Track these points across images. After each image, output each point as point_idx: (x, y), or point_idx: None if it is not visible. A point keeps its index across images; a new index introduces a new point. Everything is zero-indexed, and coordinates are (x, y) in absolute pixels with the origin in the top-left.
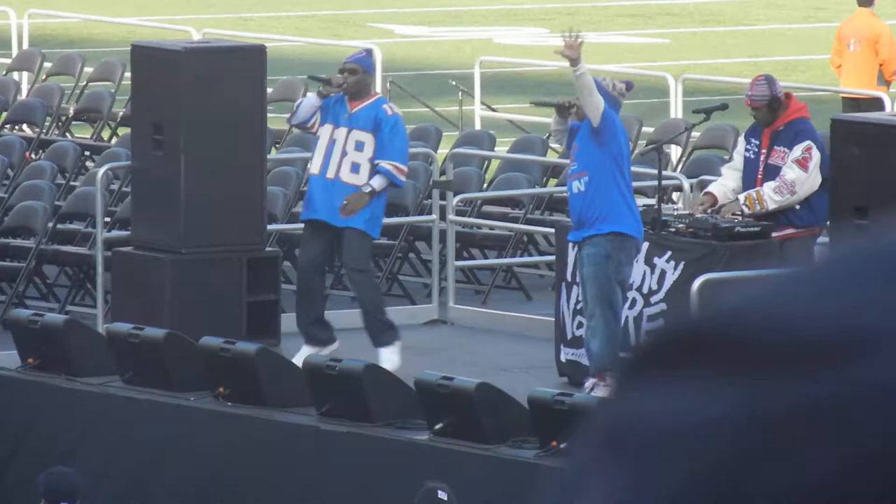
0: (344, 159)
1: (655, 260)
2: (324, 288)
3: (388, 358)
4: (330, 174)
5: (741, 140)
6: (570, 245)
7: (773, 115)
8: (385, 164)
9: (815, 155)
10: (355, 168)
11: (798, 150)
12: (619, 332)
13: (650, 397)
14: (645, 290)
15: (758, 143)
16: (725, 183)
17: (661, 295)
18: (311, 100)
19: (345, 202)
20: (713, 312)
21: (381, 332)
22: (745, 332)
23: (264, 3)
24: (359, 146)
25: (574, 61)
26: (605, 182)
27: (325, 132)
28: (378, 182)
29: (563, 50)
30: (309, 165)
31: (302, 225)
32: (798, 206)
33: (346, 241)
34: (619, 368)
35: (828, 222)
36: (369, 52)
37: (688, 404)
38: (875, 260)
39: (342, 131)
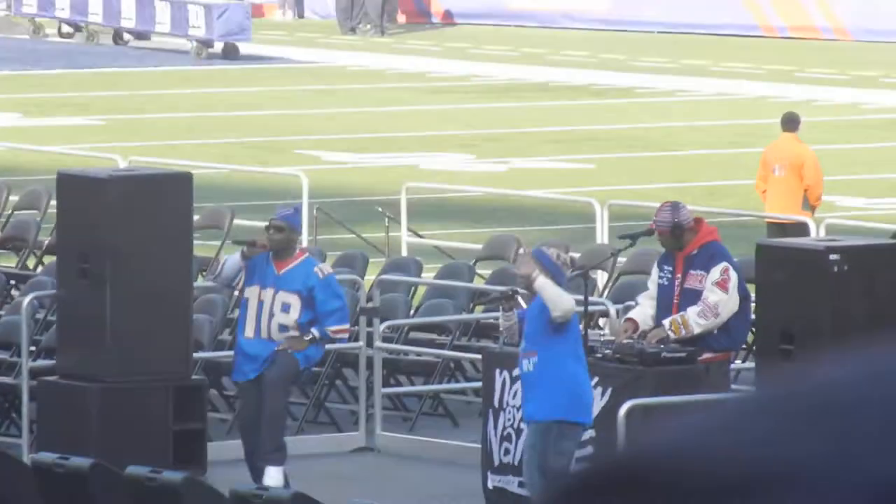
0: (272, 321)
1: None
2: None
3: (275, 476)
4: (263, 335)
5: (654, 268)
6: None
7: (678, 242)
8: (329, 332)
9: (733, 276)
10: (282, 329)
11: (716, 273)
12: None
13: None
14: None
15: (671, 269)
16: (644, 311)
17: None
18: (235, 260)
19: (284, 343)
20: (633, 454)
21: (275, 450)
22: (663, 476)
23: (190, 131)
24: (284, 308)
25: (528, 279)
26: (556, 363)
27: (252, 294)
28: (318, 335)
29: (518, 272)
30: (239, 328)
31: (229, 353)
32: (716, 330)
33: (275, 357)
34: None
35: (743, 345)
36: (297, 209)
37: None
38: (790, 401)
39: (269, 292)
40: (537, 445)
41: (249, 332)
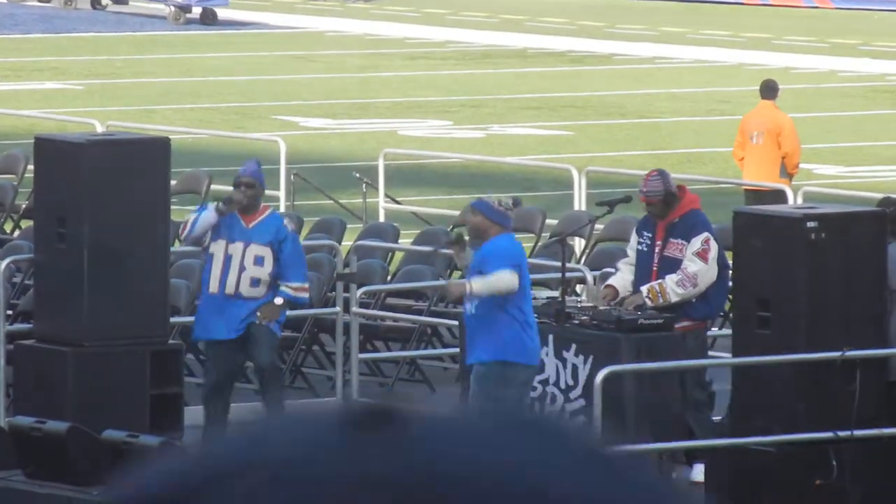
0: (243, 274)
1: (564, 354)
2: (228, 404)
3: None
4: (229, 290)
5: (633, 234)
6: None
7: (668, 209)
8: (288, 290)
9: (714, 246)
10: (255, 283)
11: (697, 243)
12: None
13: None
14: (562, 385)
15: (651, 235)
16: (624, 276)
17: (579, 391)
18: (208, 217)
19: (259, 314)
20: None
21: None
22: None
23: (168, 96)
24: (258, 260)
25: (462, 297)
26: (498, 306)
27: (218, 248)
28: (280, 300)
29: (449, 295)
30: (203, 285)
31: None
32: (694, 299)
33: (256, 339)
34: None
35: (721, 313)
36: (258, 162)
37: None
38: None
39: (238, 246)
40: (478, 393)
41: (214, 286)
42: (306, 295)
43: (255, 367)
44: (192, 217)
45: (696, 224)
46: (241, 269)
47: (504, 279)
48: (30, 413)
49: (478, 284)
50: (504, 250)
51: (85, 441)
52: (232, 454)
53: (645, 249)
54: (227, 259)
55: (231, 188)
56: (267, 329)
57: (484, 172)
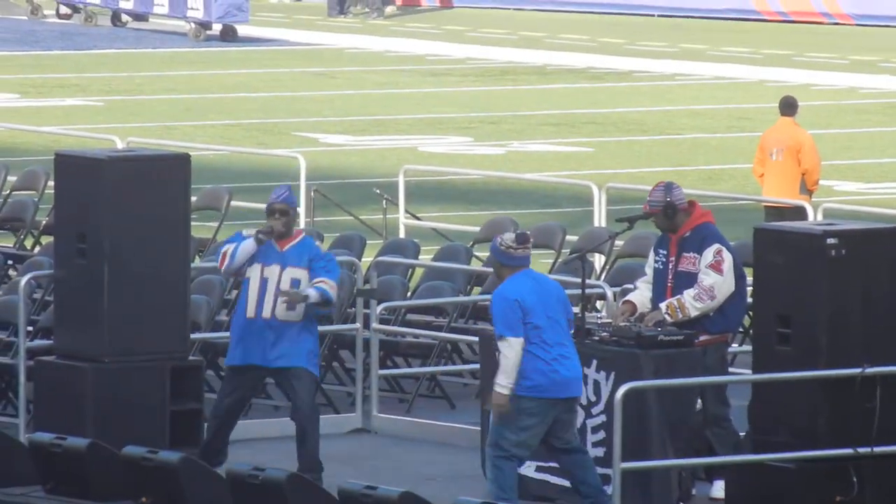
0: (279, 298)
1: (586, 370)
2: (235, 424)
3: None
4: (266, 314)
5: (651, 252)
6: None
7: (670, 222)
8: (322, 284)
9: (727, 257)
10: (291, 305)
11: (710, 255)
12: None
13: None
14: (584, 401)
15: (665, 252)
16: (643, 293)
17: (601, 406)
18: (248, 247)
19: (285, 297)
20: None
21: (313, 469)
22: None
23: (189, 112)
24: (294, 283)
25: (507, 398)
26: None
27: (254, 273)
28: (314, 294)
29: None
30: (239, 309)
31: (226, 334)
32: (712, 313)
33: (297, 383)
34: None
35: (739, 327)
36: (289, 188)
37: None
38: None
39: (274, 269)
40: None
41: (251, 311)
42: (334, 293)
43: (294, 409)
44: (230, 248)
45: (706, 236)
46: (278, 291)
47: (509, 357)
48: (50, 429)
49: (502, 380)
50: (496, 310)
51: (105, 457)
52: None
53: (661, 266)
54: (264, 283)
55: (261, 208)
56: (307, 373)
57: (504, 189)
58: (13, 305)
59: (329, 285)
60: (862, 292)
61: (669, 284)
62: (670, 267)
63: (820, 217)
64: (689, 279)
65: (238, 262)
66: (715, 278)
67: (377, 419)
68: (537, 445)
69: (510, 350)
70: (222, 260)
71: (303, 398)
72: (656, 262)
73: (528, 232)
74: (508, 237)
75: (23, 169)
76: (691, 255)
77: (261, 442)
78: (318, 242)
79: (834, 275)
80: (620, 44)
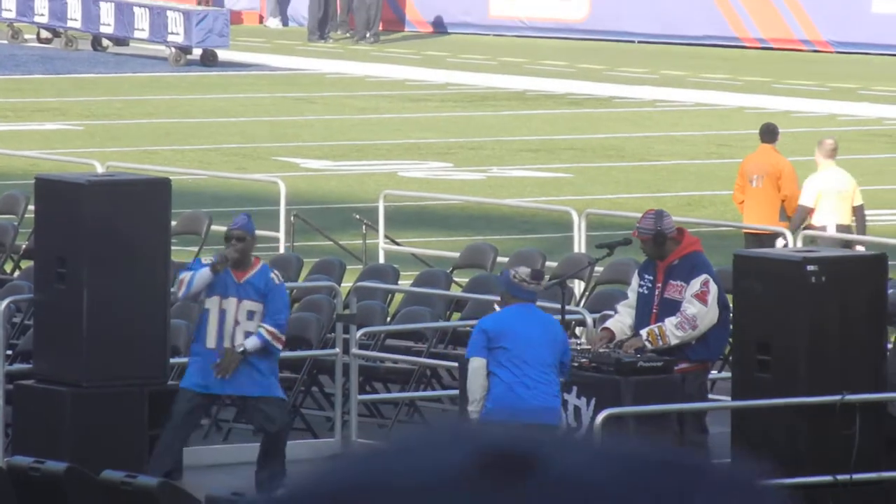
0: (237, 328)
1: (566, 396)
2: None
3: None
4: (227, 344)
5: (635, 276)
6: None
7: (659, 250)
8: (264, 331)
9: (713, 288)
10: (248, 336)
11: (696, 285)
12: None
13: None
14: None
15: (651, 278)
16: (622, 319)
17: (582, 433)
18: (204, 276)
19: (219, 363)
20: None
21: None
22: None
23: (169, 136)
24: (250, 316)
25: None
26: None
27: (213, 304)
28: (251, 344)
29: None
30: (199, 339)
31: None
32: (693, 341)
33: (268, 410)
34: None
35: (720, 356)
36: (248, 215)
37: None
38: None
39: (231, 302)
40: None
41: (211, 342)
42: (279, 345)
43: (266, 432)
44: (187, 276)
45: (695, 265)
46: (236, 323)
47: (469, 378)
48: (28, 453)
49: (468, 404)
50: (472, 338)
51: (83, 481)
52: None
53: (646, 292)
54: (222, 314)
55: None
56: (277, 400)
57: (484, 214)
58: None
59: (268, 332)
60: (841, 319)
61: (654, 311)
62: (656, 293)
63: (799, 244)
64: (674, 307)
65: (194, 290)
66: (699, 308)
67: (357, 445)
68: None
69: (469, 370)
70: (179, 286)
71: (271, 425)
72: (641, 286)
73: (542, 270)
74: (524, 271)
75: (2, 193)
76: (678, 283)
77: (241, 467)
78: (273, 274)
79: (813, 301)
80: (600, 70)
